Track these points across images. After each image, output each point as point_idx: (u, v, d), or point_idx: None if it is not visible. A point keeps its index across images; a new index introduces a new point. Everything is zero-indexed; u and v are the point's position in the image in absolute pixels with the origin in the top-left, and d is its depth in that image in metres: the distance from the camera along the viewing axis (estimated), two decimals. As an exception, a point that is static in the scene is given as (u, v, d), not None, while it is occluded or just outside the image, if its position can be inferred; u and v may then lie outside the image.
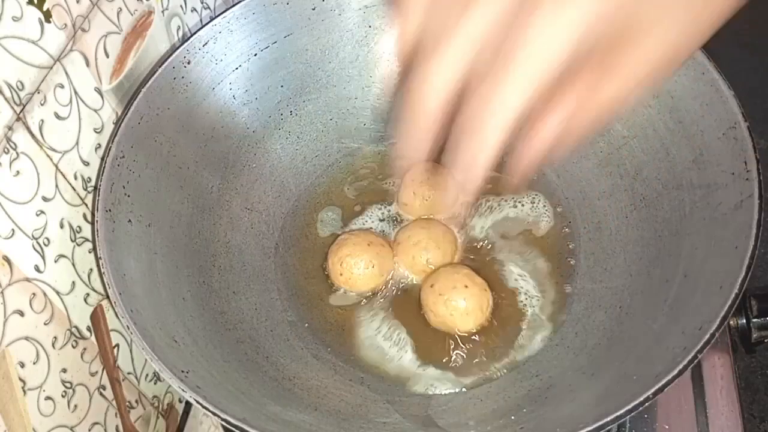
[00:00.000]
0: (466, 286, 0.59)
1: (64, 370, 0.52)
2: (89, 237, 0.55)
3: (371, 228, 0.67)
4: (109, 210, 0.54)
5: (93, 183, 0.56)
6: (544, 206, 0.66)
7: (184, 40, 0.63)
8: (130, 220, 0.55)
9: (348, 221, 0.68)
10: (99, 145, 0.56)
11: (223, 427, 0.50)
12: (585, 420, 0.45)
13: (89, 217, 0.55)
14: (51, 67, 0.49)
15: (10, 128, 0.46)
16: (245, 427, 0.45)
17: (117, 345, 0.59)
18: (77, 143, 0.53)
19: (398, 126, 0.41)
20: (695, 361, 0.45)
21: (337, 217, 0.68)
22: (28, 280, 0.48)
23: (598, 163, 0.65)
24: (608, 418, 0.44)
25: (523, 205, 0.67)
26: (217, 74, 0.65)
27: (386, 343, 0.60)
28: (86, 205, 0.55)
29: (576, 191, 0.66)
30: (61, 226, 0.52)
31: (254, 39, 0.66)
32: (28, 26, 0.47)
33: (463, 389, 0.58)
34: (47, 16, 0.48)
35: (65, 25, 0.50)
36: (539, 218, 0.66)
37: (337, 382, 0.58)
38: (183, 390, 0.47)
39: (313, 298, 0.64)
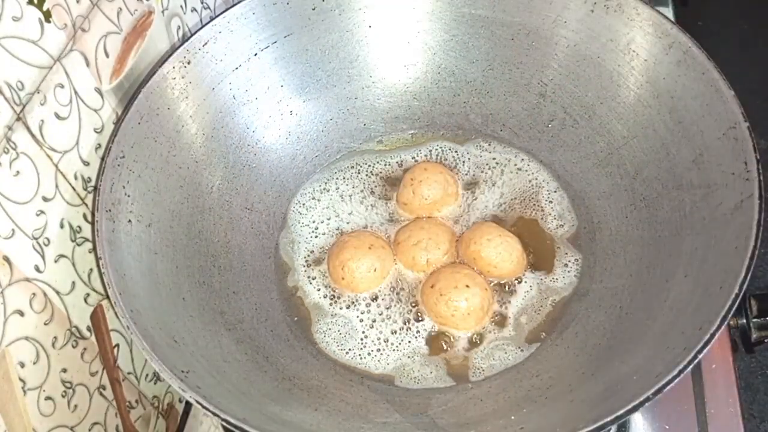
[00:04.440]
0: (468, 286, 0.59)
1: (64, 370, 0.52)
2: (89, 237, 0.55)
3: (370, 227, 0.67)
4: (109, 210, 0.54)
5: (93, 183, 0.56)
6: (544, 207, 0.66)
7: (184, 40, 0.63)
8: (130, 220, 0.55)
9: (347, 221, 0.67)
10: (99, 145, 0.56)
11: (223, 427, 0.50)
12: (585, 420, 0.45)
13: (89, 217, 0.55)
14: (51, 67, 0.49)
15: (10, 128, 0.46)
16: (245, 427, 0.45)
17: (117, 345, 0.59)
18: (77, 143, 0.53)
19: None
20: (695, 361, 0.45)
21: (336, 217, 0.68)
22: (28, 280, 0.48)
23: (598, 163, 0.65)
24: (608, 418, 0.44)
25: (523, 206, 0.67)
26: (217, 74, 0.65)
27: (387, 344, 0.60)
28: (86, 205, 0.55)
29: (576, 191, 0.66)
30: (61, 226, 0.52)
31: (254, 39, 0.66)
32: (28, 26, 0.47)
33: (464, 389, 0.58)
34: (47, 16, 0.48)
35: (65, 25, 0.50)
36: (539, 219, 0.66)
37: (337, 382, 0.58)
38: (183, 390, 0.47)
39: (312, 298, 0.64)
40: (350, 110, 0.72)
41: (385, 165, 0.71)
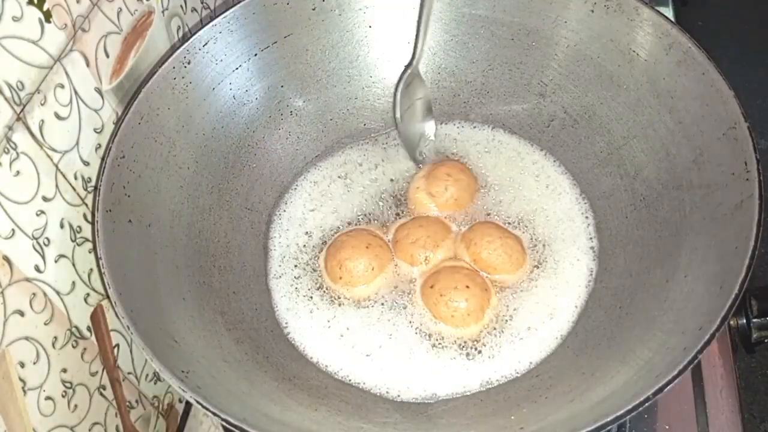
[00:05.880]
0: (468, 287, 0.59)
1: (64, 370, 0.52)
2: (89, 237, 0.55)
3: (368, 223, 0.67)
4: (110, 210, 0.54)
5: (93, 183, 0.56)
6: (544, 207, 0.66)
7: (185, 40, 0.63)
8: (130, 220, 0.55)
9: (346, 220, 0.67)
10: (99, 145, 0.56)
11: (223, 427, 0.50)
12: (585, 420, 0.45)
13: (89, 217, 0.55)
14: (51, 67, 0.49)
15: (10, 128, 0.46)
16: (245, 427, 0.45)
17: (117, 345, 0.59)
18: (77, 143, 0.53)
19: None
20: (695, 361, 0.45)
21: (335, 217, 0.68)
22: (28, 280, 0.48)
23: (598, 163, 0.65)
24: (608, 419, 0.44)
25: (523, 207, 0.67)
26: (217, 74, 0.65)
27: (386, 344, 0.60)
28: (86, 205, 0.55)
29: (576, 192, 0.66)
30: (62, 226, 0.52)
31: (254, 39, 0.66)
32: (28, 26, 0.47)
33: (464, 390, 0.58)
34: (47, 16, 0.48)
35: (65, 25, 0.50)
36: (539, 218, 0.66)
37: (337, 382, 0.59)
38: (183, 390, 0.47)
39: (312, 298, 0.64)
40: (350, 110, 0.72)
41: (385, 165, 0.71)
